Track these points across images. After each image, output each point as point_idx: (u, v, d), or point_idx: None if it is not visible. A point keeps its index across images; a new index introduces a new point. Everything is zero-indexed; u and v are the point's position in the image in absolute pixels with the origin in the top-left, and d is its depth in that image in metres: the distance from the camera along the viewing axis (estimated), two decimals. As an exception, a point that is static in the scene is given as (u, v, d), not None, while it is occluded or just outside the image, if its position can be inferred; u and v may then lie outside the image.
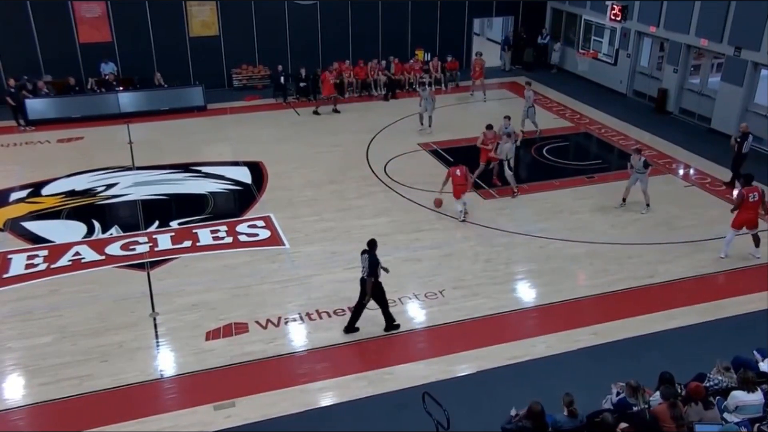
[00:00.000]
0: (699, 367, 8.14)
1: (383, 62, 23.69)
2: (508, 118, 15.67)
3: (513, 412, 7.36)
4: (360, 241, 13.15)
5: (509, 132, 15.33)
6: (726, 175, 15.86)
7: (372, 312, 10.64)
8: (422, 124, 19.46)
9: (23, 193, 15.39)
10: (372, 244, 10.05)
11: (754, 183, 12.28)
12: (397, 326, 10.40)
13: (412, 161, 17.27)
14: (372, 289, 10.00)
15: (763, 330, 9.85)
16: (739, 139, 15.09)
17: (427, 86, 20.03)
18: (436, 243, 13.10)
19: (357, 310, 10.25)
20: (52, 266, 12.25)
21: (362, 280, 10.07)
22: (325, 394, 9.06)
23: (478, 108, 21.60)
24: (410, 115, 20.72)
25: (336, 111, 21.30)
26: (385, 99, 22.76)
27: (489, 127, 15.47)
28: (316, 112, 21.21)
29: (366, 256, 9.91)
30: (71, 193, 15.40)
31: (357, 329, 10.31)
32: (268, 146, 18.32)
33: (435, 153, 17.71)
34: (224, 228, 13.67)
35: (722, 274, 12.05)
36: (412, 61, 24.17)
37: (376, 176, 16.25)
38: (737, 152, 15.15)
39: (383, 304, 10.28)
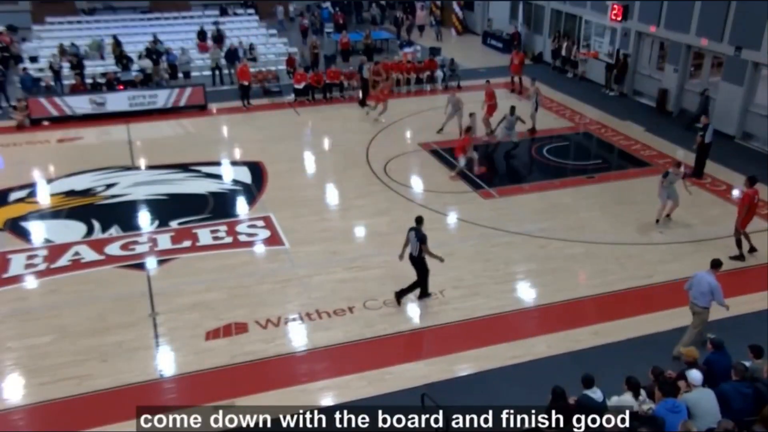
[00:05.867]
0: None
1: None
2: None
3: None
4: (360, 241, 13.21)
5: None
6: (729, 175, 15.95)
7: (368, 312, 10.65)
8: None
9: (23, 193, 15.38)
10: (419, 220, 10.88)
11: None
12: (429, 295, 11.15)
13: (412, 161, 17.26)
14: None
15: (763, 330, 9.83)
16: (702, 133, 15.56)
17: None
18: (436, 243, 12.97)
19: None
20: (52, 266, 12.24)
21: (412, 258, 10.83)
22: (325, 394, 9.06)
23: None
24: (410, 114, 20.70)
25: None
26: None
27: None
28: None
29: (414, 232, 10.70)
30: (71, 193, 15.39)
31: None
32: (268, 146, 18.30)
33: (435, 153, 17.70)
34: (224, 228, 13.66)
35: (722, 274, 11.96)
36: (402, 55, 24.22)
37: (376, 176, 16.23)
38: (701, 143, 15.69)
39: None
